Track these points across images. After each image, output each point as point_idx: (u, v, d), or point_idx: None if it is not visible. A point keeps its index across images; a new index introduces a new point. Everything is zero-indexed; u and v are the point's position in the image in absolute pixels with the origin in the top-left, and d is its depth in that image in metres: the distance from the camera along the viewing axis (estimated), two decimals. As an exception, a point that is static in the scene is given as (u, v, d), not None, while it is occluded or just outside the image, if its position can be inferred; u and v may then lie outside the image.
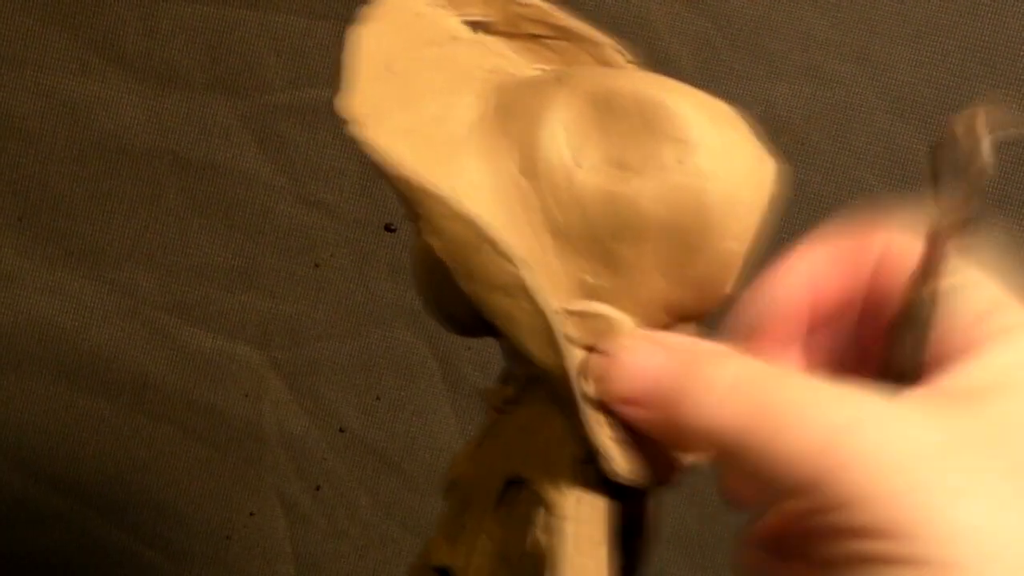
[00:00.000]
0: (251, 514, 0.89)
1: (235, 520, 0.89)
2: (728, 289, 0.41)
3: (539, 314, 0.39)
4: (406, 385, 0.88)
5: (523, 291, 0.38)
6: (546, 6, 0.46)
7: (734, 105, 0.42)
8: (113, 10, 0.85)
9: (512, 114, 0.41)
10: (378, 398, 0.88)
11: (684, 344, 0.39)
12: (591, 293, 0.41)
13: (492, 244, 0.38)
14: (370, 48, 0.41)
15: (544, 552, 0.40)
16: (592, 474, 0.41)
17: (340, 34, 0.88)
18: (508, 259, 0.38)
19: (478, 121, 0.41)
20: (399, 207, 0.88)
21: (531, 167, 0.40)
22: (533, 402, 0.43)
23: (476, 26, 0.45)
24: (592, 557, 0.41)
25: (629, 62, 0.47)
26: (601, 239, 0.40)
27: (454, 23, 0.45)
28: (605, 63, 0.46)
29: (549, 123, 0.40)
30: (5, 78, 0.86)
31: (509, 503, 0.43)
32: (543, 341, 0.39)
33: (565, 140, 0.40)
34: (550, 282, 0.40)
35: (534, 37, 0.46)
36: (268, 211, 0.87)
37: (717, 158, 0.39)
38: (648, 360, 0.38)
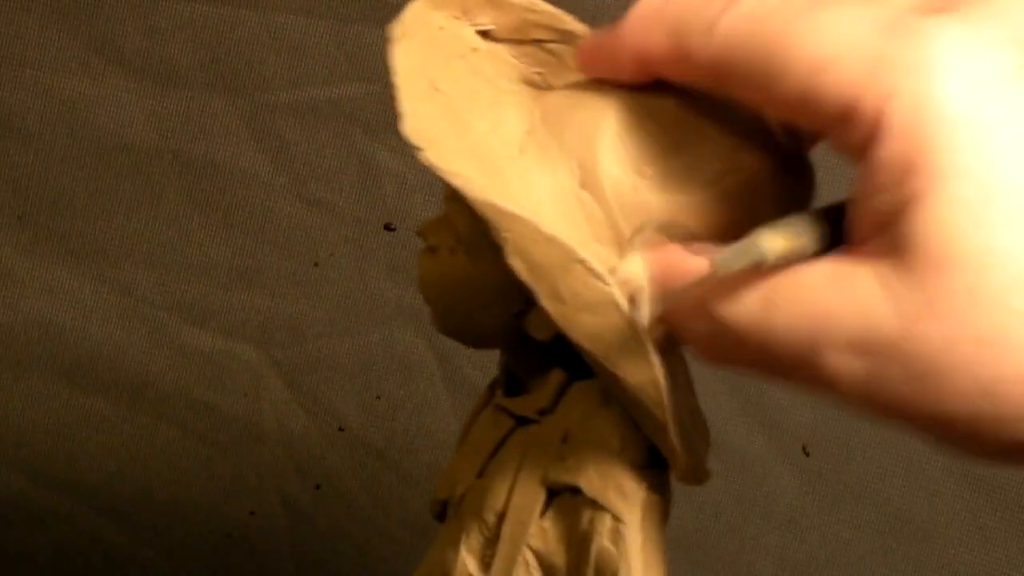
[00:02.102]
0: (251, 513, 0.89)
1: (235, 519, 0.90)
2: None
3: (630, 329, 0.39)
4: (405, 384, 0.88)
5: (614, 308, 0.38)
6: (556, 11, 0.46)
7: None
8: (113, 10, 0.85)
9: (562, 127, 0.41)
10: (378, 397, 0.88)
11: None
12: None
13: (583, 264, 0.38)
14: (410, 67, 0.41)
15: (611, 560, 0.41)
16: (651, 479, 0.42)
17: (339, 34, 0.87)
18: (600, 277, 0.38)
19: (528, 135, 0.41)
20: (398, 206, 0.88)
21: (593, 180, 0.40)
22: (570, 412, 0.43)
23: (484, 35, 0.45)
24: (657, 562, 0.42)
25: None
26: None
27: (469, 33, 0.45)
28: None
29: (606, 136, 0.40)
30: (5, 77, 0.86)
31: (556, 514, 0.43)
32: (633, 356, 0.39)
33: (624, 152, 0.40)
34: None
35: (537, 42, 0.46)
36: (267, 210, 0.87)
37: (761, 158, 0.40)
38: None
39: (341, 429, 0.89)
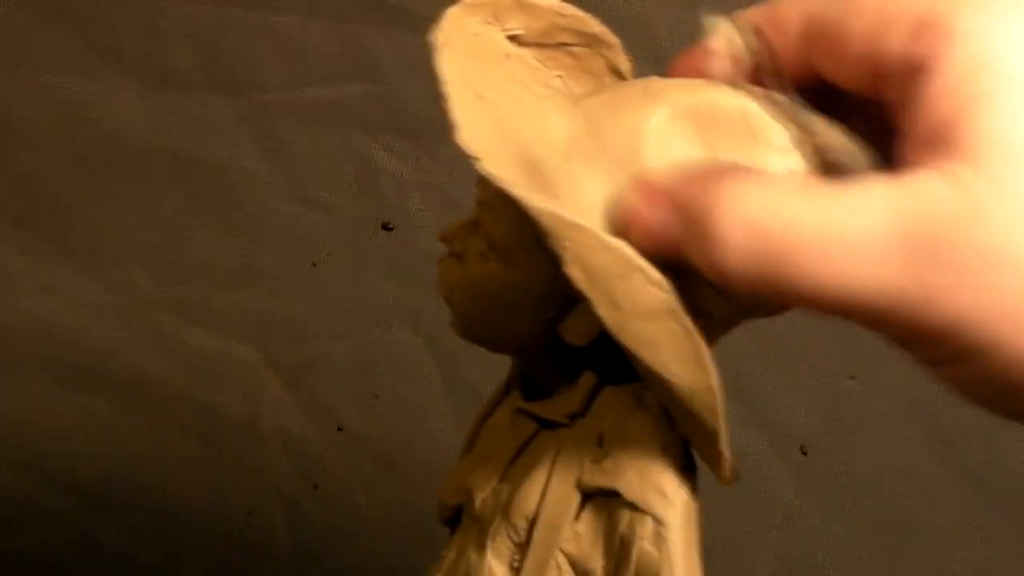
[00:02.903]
0: (249, 512, 0.89)
1: (233, 519, 0.89)
2: None
3: (687, 336, 0.39)
4: (404, 384, 0.88)
5: (672, 315, 0.39)
6: (583, 15, 0.46)
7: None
8: (112, 10, 0.85)
9: (605, 133, 0.41)
10: (376, 397, 0.88)
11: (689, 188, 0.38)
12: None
13: (643, 272, 0.39)
14: (456, 75, 0.41)
15: (652, 563, 0.41)
16: (690, 482, 0.42)
17: (338, 34, 0.87)
18: (658, 285, 0.39)
19: (573, 140, 0.41)
20: (396, 206, 0.88)
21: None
22: (603, 415, 0.44)
23: (512, 39, 0.45)
24: (697, 565, 0.42)
25: (629, 61, 0.47)
26: None
27: (501, 39, 0.45)
28: (615, 66, 0.47)
29: (653, 139, 0.40)
30: (4, 77, 0.86)
31: (591, 518, 0.43)
32: (689, 362, 0.40)
33: (670, 156, 0.40)
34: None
35: (561, 45, 0.46)
36: (266, 210, 0.87)
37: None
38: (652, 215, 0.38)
39: (340, 429, 0.89)
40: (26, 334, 0.88)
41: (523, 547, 0.44)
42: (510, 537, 0.45)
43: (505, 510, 0.45)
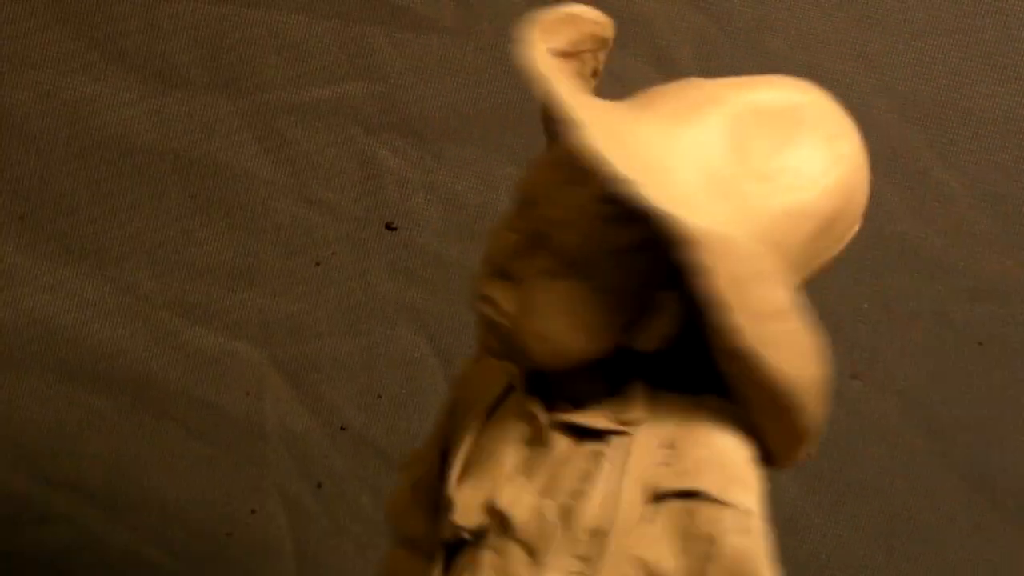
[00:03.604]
0: (252, 511, 0.90)
1: (236, 517, 0.90)
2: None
3: (808, 332, 0.42)
4: (407, 383, 0.88)
5: (795, 314, 0.42)
6: (608, 20, 0.47)
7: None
8: (114, 9, 0.85)
9: (681, 141, 0.43)
10: (379, 396, 0.88)
11: None
12: None
13: (772, 275, 0.41)
14: (559, 79, 0.42)
15: (744, 552, 0.43)
16: (760, 471, 0.45)
17: (341, 33, 0.87)
18: (785, 286, 0.41)
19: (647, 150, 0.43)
20: (399, 205, 0.88)
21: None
22: (665, 419, 0.45)
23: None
24: (771, 544, 0.45)
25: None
26: (779, 243, 0.43)
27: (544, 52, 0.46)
28: (596, 67, 0.48)
29: (712, 143, 0.43)
30: (6, 77, 0.86)
31: (665, 521, 0.44)
32: (807, 356, 0.43)
33: (730, 156, 0.43)
34: None
35: (580, 52, 0.47)
36: (269, 209, 0.87)
37: (861, 148, 0.45)
38: None
39: (343, 428, 0.89)
40: (28, 333, 0.88)
41: (588, 560, 0.45)
42: (572, 552, 0.45)
43: (563, 525, 0.45)
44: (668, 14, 0.83)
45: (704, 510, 0.44)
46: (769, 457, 0.46)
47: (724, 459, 0.44)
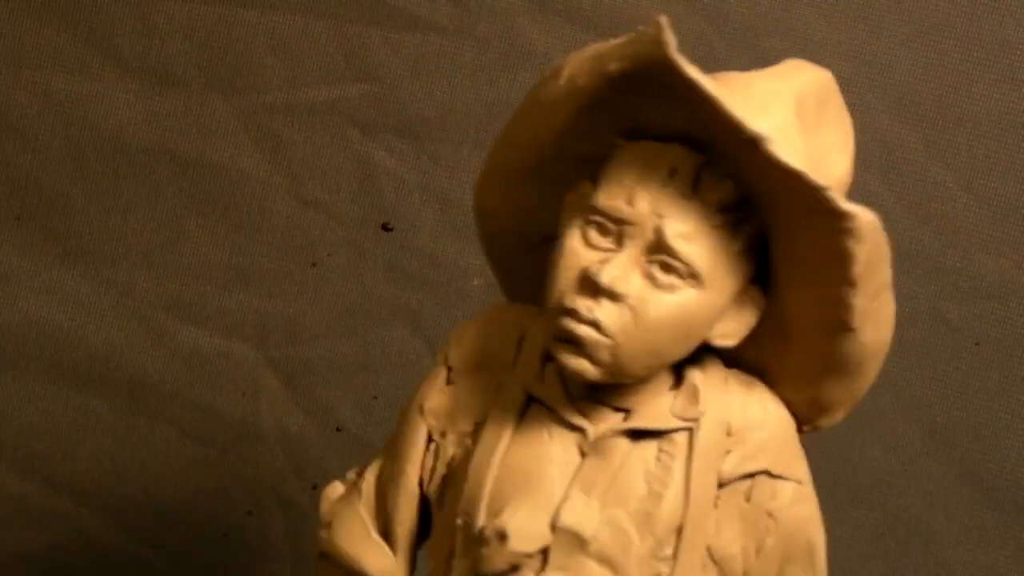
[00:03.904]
0: (248, 513, 0.89)
1: (232, 519, 0.89)
2: None
3: (893, 304, 0.46)
4: (403, 384, 0.88)
5: (891, 288, 0.45)
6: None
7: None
8: (110, 9, 0.85)
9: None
10: (375, 397, 0.88)
11: None
12: None
13: (888, 254, 0.44)
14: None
15: (801, 520, 0.47)
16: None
17: (337, 34, 0.87)
18: (889, 263, 0.44)
19: None
20: (395, 206, 0.87)
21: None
22: (717, 408, 0.47)
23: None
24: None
25: None
26: None
27: None
28: None
29: (792, 133, 0.45)
30: (2, 77, 0.86)
31: (726, 505, 0.46)
32: (889, 328, 0.46)
33: (807, 140, 0.45)
34: None
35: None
36: (265, 210, 0.87)
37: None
38: None
39: (339, 429, 0.89)
40: (24, 334, 0.88)
41: (667, 559, 0.45)
42: (654, 555, 0.46)
43: (640, 531, 0.45)
44: (668, 14, 0.83)
45: (762, 487, 0.46)
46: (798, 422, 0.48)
47: (780, 436, 0.47)
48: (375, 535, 0.51)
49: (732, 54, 0.82)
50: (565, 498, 0.46)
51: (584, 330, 0.44)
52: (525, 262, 0.51)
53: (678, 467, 0.45)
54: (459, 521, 0.47)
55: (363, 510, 0.53)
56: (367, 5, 0.84)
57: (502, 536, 0.46)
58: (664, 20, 0.42)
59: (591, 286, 0.44)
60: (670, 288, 0.44)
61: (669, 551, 0.45)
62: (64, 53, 0.85)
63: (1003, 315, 0.83)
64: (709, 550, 0.45)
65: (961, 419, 0.84)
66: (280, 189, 0.87)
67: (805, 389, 0.47)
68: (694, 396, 0.46)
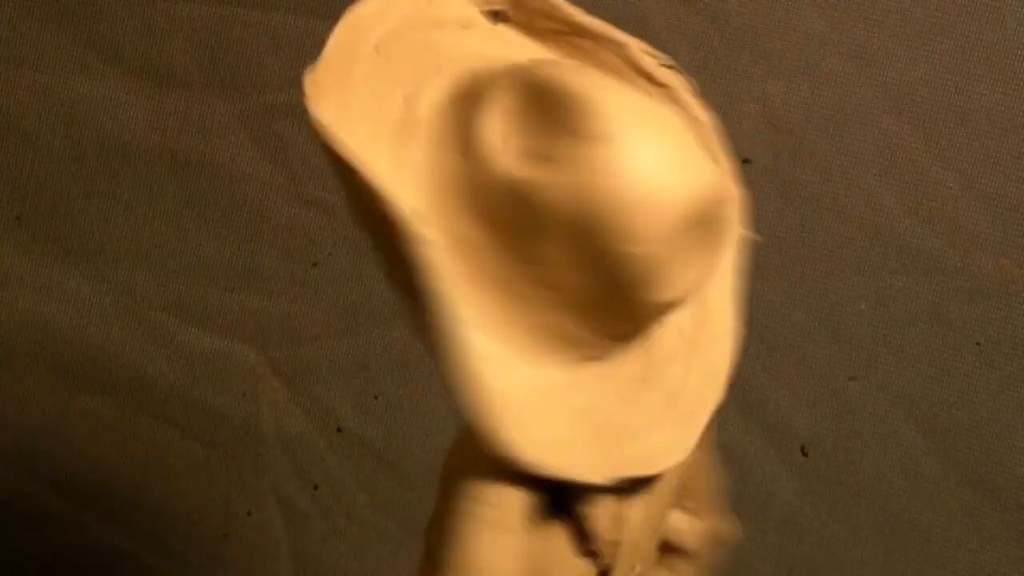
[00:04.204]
0: (249, 514, 0.89)
1: (233, 520, 0.89)
2: (655, 296, 0.39)
3: None
4: (404, 384, 0.88)
5: None
6: (561, 3, 0.46)
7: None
8: (111, 10, 0.85)
9: (468, 97, 0.41)
10: (376, 397, 0.88)
11: None
12: (515, 274, 0.41)
13: None
14: (360, 27, 0.41)
15: None
16: None
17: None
18: None
19: (445, 102, 0.42)
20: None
21: (467, 146, 0.40)
22: None
23: (497, 17, 0.45)
24: None
25: (664, 64, 0.46)
26: (514, 224, 0.40)
27: (471, 13, 0.44)
28: (632, 63, 0.46)
29: (488, 106, 0.40)
30: (3, 77, 0.86)
31: None
32: None
33: (499, 124, 0.40)
34: (477, 259, 0.40)
35: (557, 34, 0.46)
36: (266, 210, 0.87)
37: (629, 160, 0.38)
38: None
39: (339, 430, 0.89)
40: (25, 334, 0.88)
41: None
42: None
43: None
44: (665, 15, 0.83)
45: None
46: None
47: None
48: None
49: (732, 54, 0.82)
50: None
51: None
52: None
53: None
54: None
55: None
56: (368, 5, 0.84)
57: None
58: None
59: None
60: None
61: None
62: (65, 53, 0.86)
63: (1004, 315, 0.83)
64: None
65: (962, 419, 0.84)
66: (281, 189, 0.87)
67: None
68: None
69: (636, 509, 0.44)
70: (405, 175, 0.40)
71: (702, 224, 0.39)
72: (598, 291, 0.39)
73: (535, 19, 0.45)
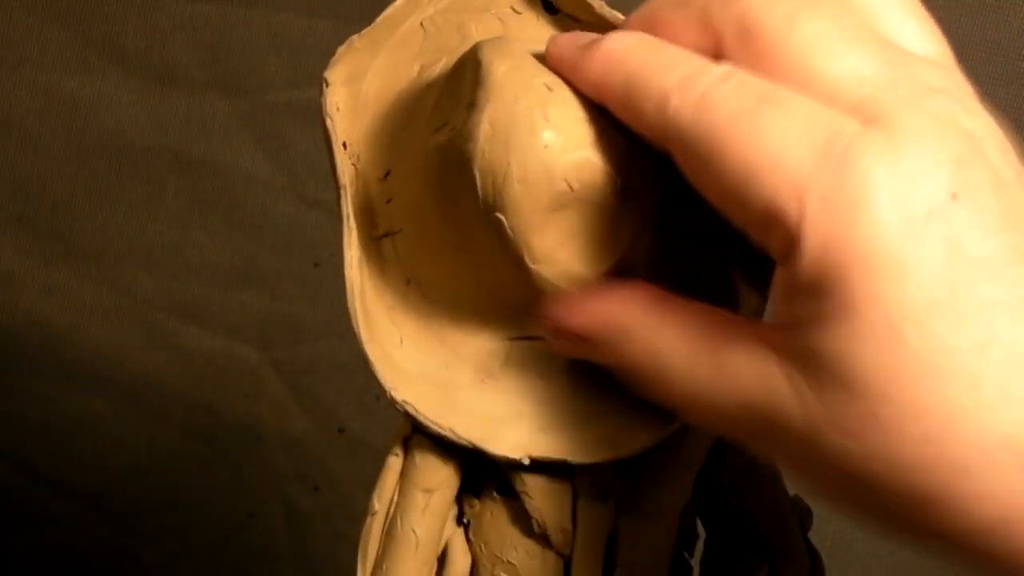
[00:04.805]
0: (250, 515, 0.89)
1: (234, 521, 0.89)
2: (534, 270, 0.38)
3: None
4: (406, 385, 0.88)
5: None
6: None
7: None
8: (113, 9, 0.85)
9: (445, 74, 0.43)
10: (378, 398, 0.87)
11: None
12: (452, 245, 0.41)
13: None
14: (419, 2, 0.41)
15: None
16: None
17: (340, 33, 0.87)
18: None
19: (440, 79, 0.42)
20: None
21: (426, 119, 0.41)
22: None
23: (549, 7, 0.45)
24: None
25: None
26: (441, 193, 0.40)
27: (523, 2, 0.44)
28: None
29: (437, 79, 0.41)
30: (4, 77, 0.86)
31: None
32: None
33: (435, 94, 0.41)
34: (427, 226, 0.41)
35: (591, 27, 0.46)
36: (267, 210, 0.87)
37: (495, 127, 0.37)
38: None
39: (341, 430, 0.88)
40: (26, 334, 0.88)
41: None
42: None
43: None
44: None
45: None
46: None
47: None
48: None
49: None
50: None
51: None
52: None
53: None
54: None
55: None
56: (369, 4, 0.84)
57: None
58: None
59: None
60: None
61: None
62: (66, 53, 0.85)
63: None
64: None
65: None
66: (283, 189, 0.87)
67: None
68: None
69: (601, 510, 0.44)
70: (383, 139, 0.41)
71: (569, 204, 0.38)
72: (504, 264, 0.39)
73: (579, 11, 0.46)
